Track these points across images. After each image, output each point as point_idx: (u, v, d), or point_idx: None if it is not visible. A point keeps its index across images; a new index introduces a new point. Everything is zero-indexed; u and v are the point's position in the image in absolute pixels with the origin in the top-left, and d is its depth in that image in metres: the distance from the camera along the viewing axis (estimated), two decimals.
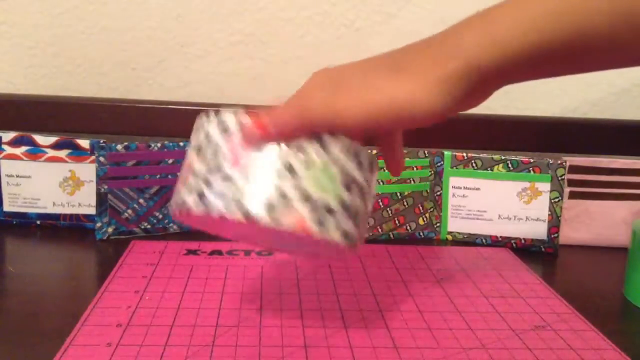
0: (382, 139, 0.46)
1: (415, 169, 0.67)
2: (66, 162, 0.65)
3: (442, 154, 0.67)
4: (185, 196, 0.39)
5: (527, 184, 0.66)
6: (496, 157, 0.66)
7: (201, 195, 0.38)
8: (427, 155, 0.67)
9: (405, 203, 0.67)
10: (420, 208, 0.68)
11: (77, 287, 0.53)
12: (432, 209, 0.68)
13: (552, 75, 0.42)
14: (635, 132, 0.77)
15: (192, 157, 0.40)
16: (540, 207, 0.66)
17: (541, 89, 0.80)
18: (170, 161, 0.64)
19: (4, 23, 0.75)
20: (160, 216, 0.65)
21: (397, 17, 0.77)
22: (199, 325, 0.46)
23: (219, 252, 0.60)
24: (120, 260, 0.57)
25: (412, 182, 0.67)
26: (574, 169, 0.68)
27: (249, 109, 0.40)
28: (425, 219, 0.68)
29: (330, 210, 0.38)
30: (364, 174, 0.40)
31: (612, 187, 0.69)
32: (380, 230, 0.67)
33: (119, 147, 0.63)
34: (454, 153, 0.67)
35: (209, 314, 0.48)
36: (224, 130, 0.39)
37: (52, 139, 0.65)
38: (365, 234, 0.45)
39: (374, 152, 0.48)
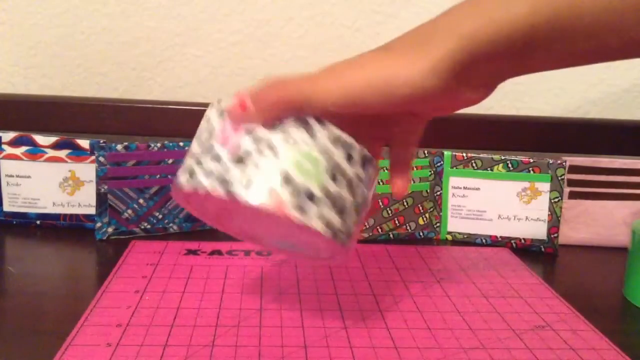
0: (394, 146, 0.45)
1: (415, 169, 0.67)
2: (66, 162, 0.65)
3: (442, 154, 0.67)
4: (180, 175, 0.40)
5: (527, 184, 0.66)
6: (496, 157, 0.66)
7: (192, 173, 0.39)
8: (427, 155, 0.67)
9: (405, 203, 0.67)
10: (420, 208, 0.68)
11: (77, 287, 0.53)
12: (432, 209, 0.68)
13: (547, 66, 0.40)
14: (635, 132, 0.76)
15: (193, 141, 0.41)
16: (540, 207, 0.66)
17: (541, 88, 0.80)
18: (170, 161, 0.64)
19: (4, 23, 0.75)
20: (160, 216, 0.65)
21: (397, 17, 0.77)
22: (199, 325, 0.46)
23: (219, 252, 0.60)
24: (120, 260, 0.57)
25: (412, 182, 0.67)
26: (574, 169, 0.68)
27: None
28: (425, 219, 0.68)
29: (311, 197, 0.37)
30: (354, 168, 0.39)
31: (612, 187, 0.68)
32: (380, 230, 0.67)
33: (119, 147, 0.63)
34: (454, 153, 0.67)
35: (209, 314, 0.48)
36: (221, 113, 0.39)
37: (52, 139, 0.65)
38: (359, 233, 0.45)
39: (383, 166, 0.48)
